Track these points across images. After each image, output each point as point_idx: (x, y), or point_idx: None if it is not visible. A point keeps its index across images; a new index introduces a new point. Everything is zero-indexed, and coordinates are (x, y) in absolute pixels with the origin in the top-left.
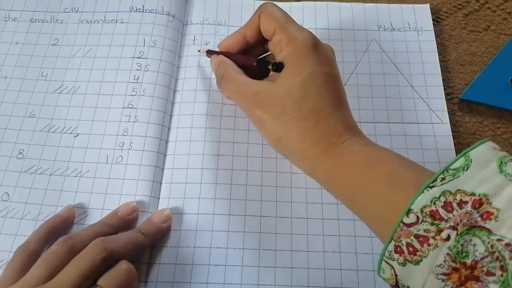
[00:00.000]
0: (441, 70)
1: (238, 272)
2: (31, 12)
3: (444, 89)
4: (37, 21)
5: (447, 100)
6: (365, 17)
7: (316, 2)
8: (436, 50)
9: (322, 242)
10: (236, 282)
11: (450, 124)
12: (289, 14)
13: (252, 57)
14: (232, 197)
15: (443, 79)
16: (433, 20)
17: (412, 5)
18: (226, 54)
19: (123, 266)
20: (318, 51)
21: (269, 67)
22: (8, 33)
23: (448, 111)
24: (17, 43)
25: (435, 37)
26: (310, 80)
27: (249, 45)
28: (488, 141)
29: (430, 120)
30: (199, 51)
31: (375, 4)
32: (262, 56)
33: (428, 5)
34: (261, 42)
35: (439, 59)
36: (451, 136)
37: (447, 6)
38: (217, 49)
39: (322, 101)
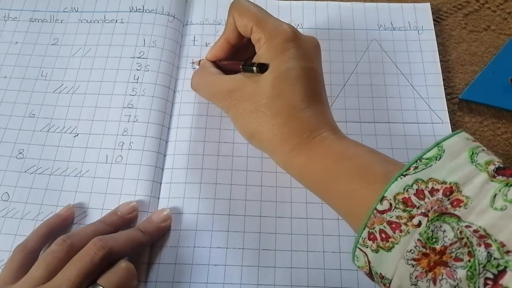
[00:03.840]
0: (441, 70)
1: (237, 272)
2: (31, 12)
3: (444, 89)
4: (36, 20)
5: (447, 100)
6: (365, 16)
7: (316, 2)
8: (437, 49)
9: (321, 242)
10: (236, 282)
11: (450, 124)
12: (289, 14)
13: (238, 63)
14: (231, 197)
15: (443, 79)
16: (433, 20)
17: (412, 4)
18: (214, 64)
19: (122, 264)
20: (297, 46)
21: (254, 70)
22: (7, 33)
23: (448, 111)
24: (16, 42)
25: (435, 37)
26: (283, 76)
27: (237, 47)
28: (461, 132)
29: (430, 120)
30: (192, 63)
31: (375, 3)
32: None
33: (428, 4)
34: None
35: (439, 59)
36: None
37: (447, 6)
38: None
39: (295, 97)
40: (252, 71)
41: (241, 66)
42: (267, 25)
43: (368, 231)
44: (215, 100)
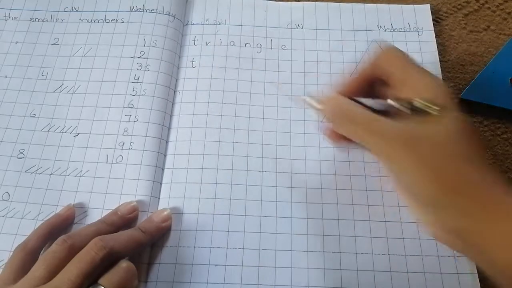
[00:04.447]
0: (441, 70)
1: (238, 272)
2: (31, 11)
3: None
4: (37, 20)
5: None
6: (365, 17)
7: (317, 3)
8: (437, 50)
9: (322, 242)
10: (236, 282)
11: None
12: (289, 15)
13: (389, 101)
14: (232, 197)
15: (443, 79)
16: (433, 20)
17: (412, 5)
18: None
19: (123, 264)
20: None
21: (427, 111)
22: (8, 32)
23: None
24: (17, 42)
25: (435, 37)
26: (459, 129)
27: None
28: None
29: None
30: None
31: (375, 4)
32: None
33: (428, 5)
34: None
35: (439, 59)
36: None
37: (447, 6)
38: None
39: (471, 152)
40: (418, 111)
41: (395, 103)
42: (414, 74)
43: None
44: (386, 143)
